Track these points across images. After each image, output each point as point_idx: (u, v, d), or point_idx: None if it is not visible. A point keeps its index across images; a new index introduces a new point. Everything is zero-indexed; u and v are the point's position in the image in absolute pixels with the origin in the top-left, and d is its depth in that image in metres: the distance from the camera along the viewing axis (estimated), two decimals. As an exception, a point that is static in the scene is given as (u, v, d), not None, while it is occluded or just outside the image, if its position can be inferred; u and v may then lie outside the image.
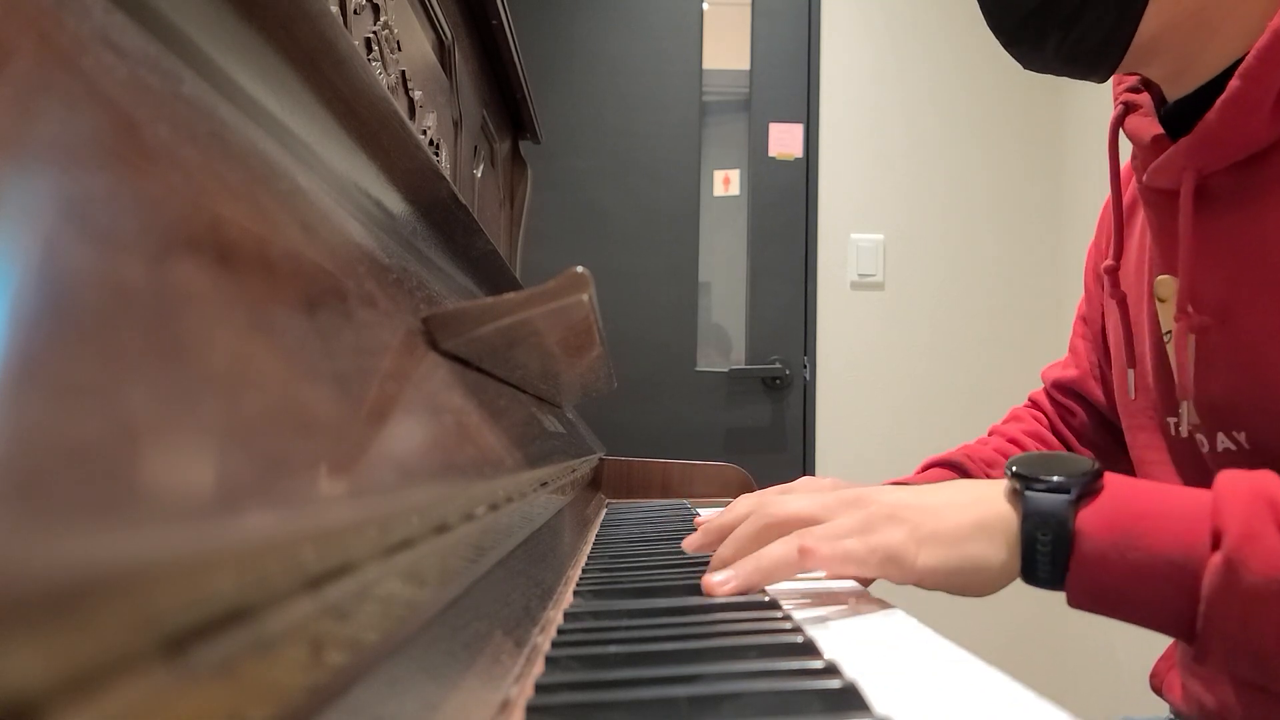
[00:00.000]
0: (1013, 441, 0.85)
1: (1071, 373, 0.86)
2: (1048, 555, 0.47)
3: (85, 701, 0.12)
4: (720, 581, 0.49)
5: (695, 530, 0.61)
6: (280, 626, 0.17)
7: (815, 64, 2.14)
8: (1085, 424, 0.85)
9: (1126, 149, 0.66)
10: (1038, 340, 2.10)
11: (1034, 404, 0.91)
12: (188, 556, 0.14)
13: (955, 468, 0.80)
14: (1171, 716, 0.72)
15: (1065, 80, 0.66)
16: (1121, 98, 0.65)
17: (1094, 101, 1.98)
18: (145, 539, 0.13)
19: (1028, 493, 0.48)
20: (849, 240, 2.12)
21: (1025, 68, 0.63)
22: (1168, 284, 0.62)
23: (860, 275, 2.11)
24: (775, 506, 0.54)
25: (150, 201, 0.19)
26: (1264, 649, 0.42)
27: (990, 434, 0.89)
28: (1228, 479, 0.45)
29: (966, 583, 0.49)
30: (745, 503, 0.58)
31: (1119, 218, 0.69)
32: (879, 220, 2.13)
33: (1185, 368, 0.60)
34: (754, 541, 0.52)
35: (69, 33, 0.20)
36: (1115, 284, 0.70)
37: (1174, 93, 0.60)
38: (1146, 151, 0.62)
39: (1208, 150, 0.56)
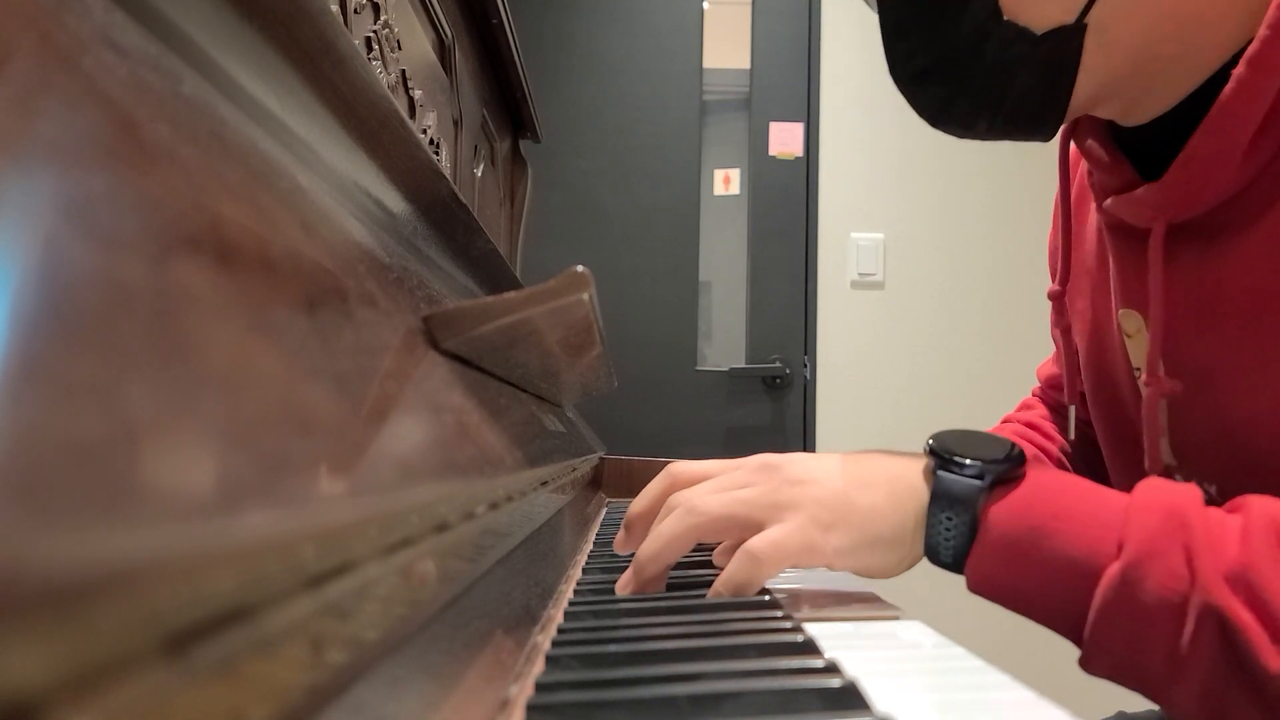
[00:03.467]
0: (1030, 425, 0.81)
1: (1055, 370, 0.82)
2: (950, 539, 0.46)
3: (85, 701, 0.12)
4: (625, 583, 0.50)
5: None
6: (280, 625, 0.17)
7: (816, 63, 2.14)
8: (1081, 420, 0.81)
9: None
10: (1037, 339, 2.10)
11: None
12: (188, 555, 0.14)
13: None
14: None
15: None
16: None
17: (1094, 100, 1.97)
18: (146, 538, 0.13)
19: (940, 473, 0.47)
20: (849, 239, 2.12)
21: (958, 137, 0.59)
22: (1133, 320, 0.59)
23: (860, 274, 2.11)
24: (681, 479, 0.53)
25: (150, 200, 0.19)
26: (1148, 668, 0.41)
27: (1004, 422, 0.86)
28: (1147, 489, 0.44)
29: (872, 561, 0.48)
30: (658, 485, 0.55)
31: (1068, 240, 0.66)
32: (879, 219, 2.13)
33: (1157, 431, 0.57)
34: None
35: (69, 32, 0.20)
36: (1061, 312, 0.67)
37: (1127, 122, 0.57)
38: (1104, 173, 0.58)
39: (1178, 202, 0.52)
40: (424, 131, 0.76)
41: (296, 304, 0.25)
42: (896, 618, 0.46)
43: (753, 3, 2.15)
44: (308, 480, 0.20)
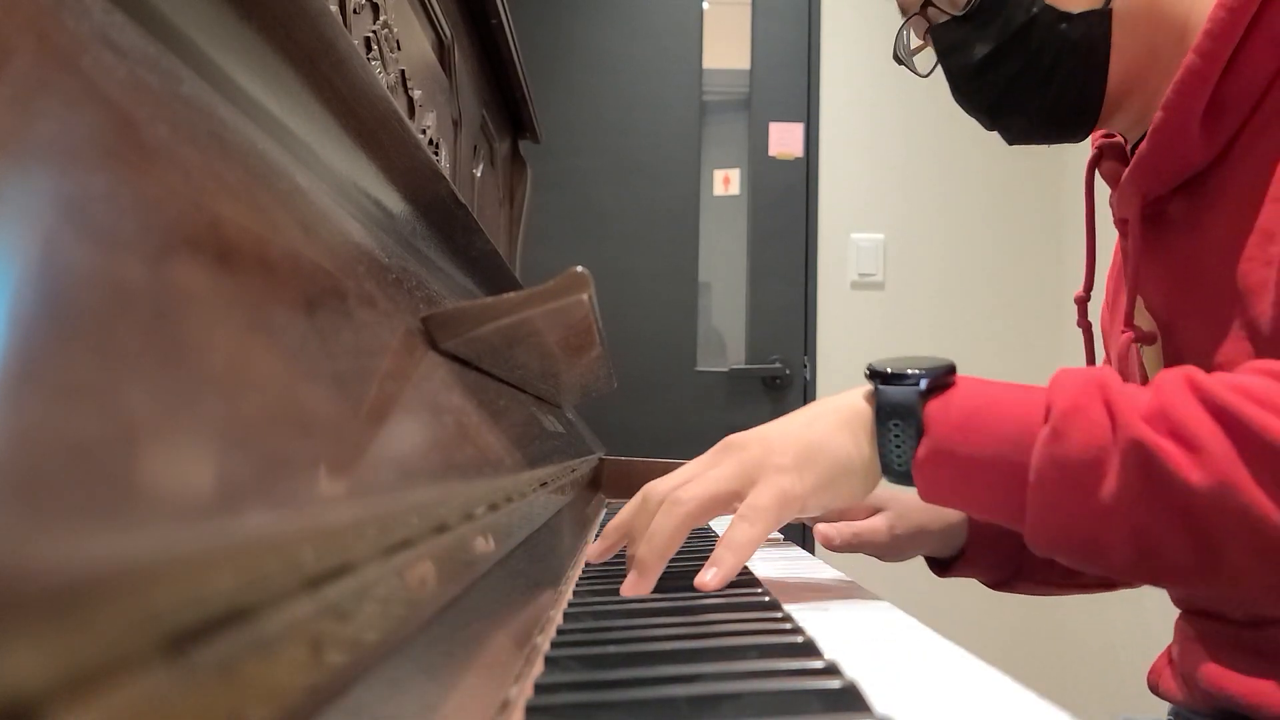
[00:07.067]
0: None
1: None
2: (900, 446, 0.50)
3: (85, 701, 0.12)
4: (633, 585, 0.50)
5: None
6: (280, 626, 0.17)
7: (816, 63, 2.14)
8: None
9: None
10: (1038, 340, 2.10)
11: None
12: (187, 556, 0.14)
13: None
14: (1171, 715, 0.71)
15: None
16: (1097, 143, 0.72)
17: (1094, 101, 1.97)
18: (145, 539, 0.13)
19: (881, 387, 0.52)
20: (849, 240, 2.12)
21: (1010, 143, 0.69)
22: (1144, 315, 0.67)
23: (860, 275, 2.11)
24: (657, 487, 0.54)
25: (149, 201, 0.19)
26: (1082, 524, 0.44)
27: None
28: (1064, 371, 0.49)
29: (838, 488, 0.51)
30: (634, 501, 0.57)
31: (1091, 252, 0.75)
32: (879, 220, 2.13)
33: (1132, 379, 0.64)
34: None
35: (68, 32, 0.20)
36: (1083, 314, 0.76)
37: (1135, 136, 0.66)
38: (1118, 191, 0.66)
39: (1148, 175, 0.61)
40: (423, 132, 0.76)
41: (295, 305, 0.25)
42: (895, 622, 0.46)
43: (753, 3, 2.15)
44: (307, 481, 0.20)
